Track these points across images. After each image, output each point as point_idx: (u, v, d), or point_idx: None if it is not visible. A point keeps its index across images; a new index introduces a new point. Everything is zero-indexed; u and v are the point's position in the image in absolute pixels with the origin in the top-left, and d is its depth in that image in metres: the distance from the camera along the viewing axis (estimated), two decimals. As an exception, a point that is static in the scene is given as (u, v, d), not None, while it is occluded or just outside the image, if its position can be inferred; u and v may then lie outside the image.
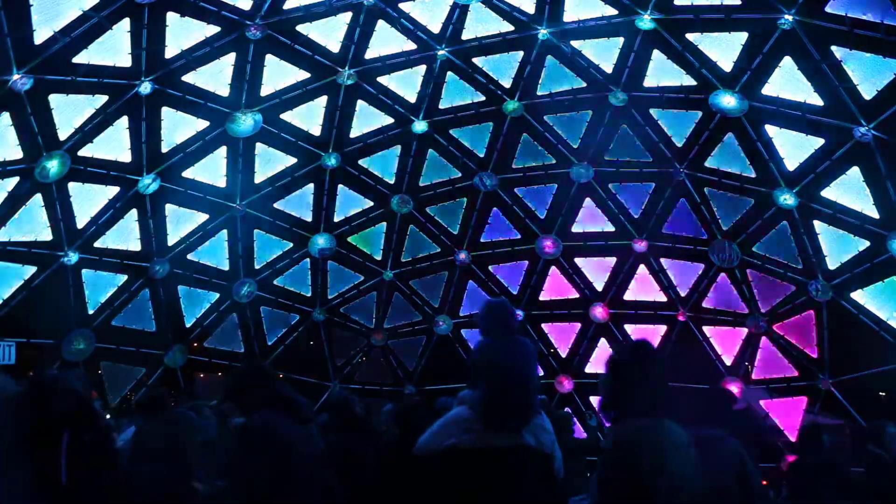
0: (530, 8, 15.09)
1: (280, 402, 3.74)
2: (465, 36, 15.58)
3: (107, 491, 3.91)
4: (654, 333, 17.31)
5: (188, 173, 15.49)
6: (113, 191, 14.86)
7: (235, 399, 3.96)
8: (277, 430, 3.61)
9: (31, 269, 14.33)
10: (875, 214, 13.83)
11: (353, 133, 16.54)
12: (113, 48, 13.57)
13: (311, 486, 3.69)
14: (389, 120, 16.51)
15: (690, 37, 14.38)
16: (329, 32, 15.30)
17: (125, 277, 15.57)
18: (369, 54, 15.67)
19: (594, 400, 16.13)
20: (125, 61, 13.83)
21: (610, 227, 16.92)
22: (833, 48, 13.08)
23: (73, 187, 14.34)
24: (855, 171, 13.88)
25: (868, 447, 6.48)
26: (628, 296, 17.40)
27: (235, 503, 3.47)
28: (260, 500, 3.43)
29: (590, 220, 17.03)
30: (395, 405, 7.98)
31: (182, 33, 14.15)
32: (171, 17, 13.87)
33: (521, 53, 15.70)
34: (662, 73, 15.00)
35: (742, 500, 4.46)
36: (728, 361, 16.50)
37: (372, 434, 6.85)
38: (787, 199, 14.67)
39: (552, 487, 3.84)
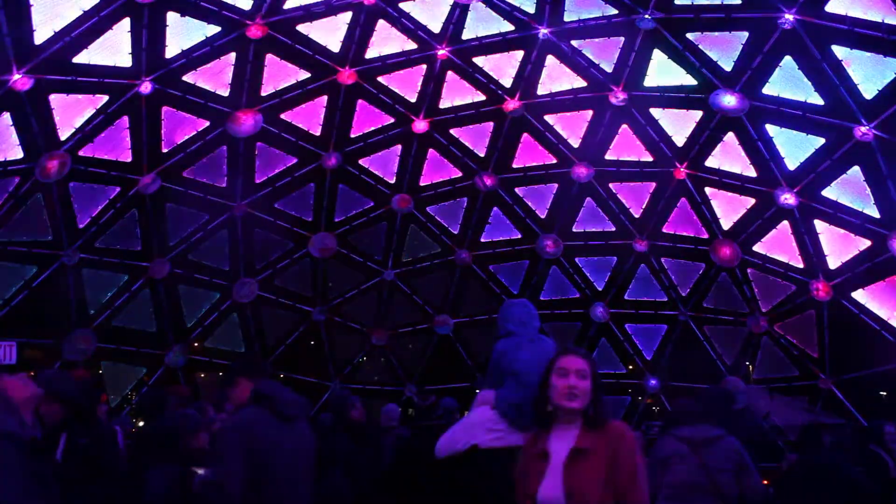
0: (530, 7, 15.08)
1: (263, 401, 3.71)
2: (466, 35, 15.58)
3: (102, 493, 3.91)
4: (655, 333, 17.33)
5: (188, 173, 15.51)
6: (113, 191, 14.88)
7: (225, 391, 3.95)
8: (254, 429, 3.59)
9: (31, 269, 14.35)
10: (876, 214, 13.83)
11: (354, 133, 16.55)
12: (113, 48, 13.58)
13: (294, 486, 3.68)
14: (390, 119, 16.52)
15: (691, 36, 14.37)
16: (329, 32, 15.31)
17: (126, 277, 15.59)
18: (369, 54, 15.66)
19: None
20: (125, 61, 13.84)
21: (610, 227, 16.92)
22: (834, 47, 13.07)
23: (74, 187, 14.35)
24: (856, 171, 13.86)
25: (869, 447, 6.49)
26: (629, 295, 17.41)
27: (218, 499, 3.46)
28: (237, 499, 3.42)
29: (590, 219, 17.03)
30: (399, 405, 8.01)
31: (182, 33, 14.15)
32: (172, 17, 13.88)
33: (521, 53, 15.70)
34: (663, 72, 15.00)
35: (741, 498, 4.46)
36: (728, 361, 16.49)
37: (368, 435, 6.85)
38: (788, 198, 14.66)
39: None
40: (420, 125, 16.33)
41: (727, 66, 14.33)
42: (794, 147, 14.55)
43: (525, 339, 4.18)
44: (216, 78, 14.96)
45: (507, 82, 16.09)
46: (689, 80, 14.82)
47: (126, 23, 13.36)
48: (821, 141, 14.16)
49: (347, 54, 15.42)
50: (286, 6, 14.69)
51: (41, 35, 12.62)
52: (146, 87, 14.03)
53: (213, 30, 14.33)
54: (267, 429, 3.59)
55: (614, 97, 15.28)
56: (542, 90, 16.02)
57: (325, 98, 15.95)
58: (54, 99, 13.46)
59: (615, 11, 14.53)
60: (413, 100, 16.28)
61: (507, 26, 15.34)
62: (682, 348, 16.78)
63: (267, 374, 4.01)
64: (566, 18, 15.03)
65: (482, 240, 17.63)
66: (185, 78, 14.61)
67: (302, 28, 15.02)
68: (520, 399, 3.93)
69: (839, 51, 13.04)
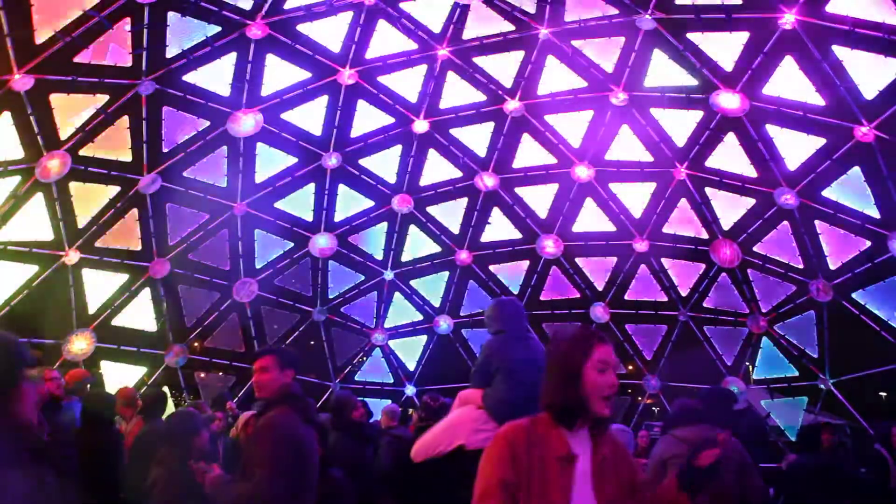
0: (531, 7, 15.09)
1: (294, 402, 3.70)
2: (466, 35, 15.58)
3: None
4: (655, 333, 17.32)
5: (189, 173, 15.51)
6: (114, 190, 14.87)
7: (269, 372, 3.86)
8: (301, 433, 3.57)
9: (31, 269, 14.34)
10: (876, 214, 13.82)
11: (354, 133, 16.55)
12: (113, 48, 13.58)
13: (307, 489, 3.67)
14: (390, 119, 16.51)
15: (691, 36, 14.37)
16: (329, 32, 15.31)
17: (126, 277, 15.58)
18: (370, 54, 15.67)
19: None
20: (126, 61, 13.84)
21: (611, 227, 16.91)
22: (834, 47, 13.07)
23: (74, 187, 14.35)
24: (856, 171, 13.85)
25: (875, 447, 6.49)
26: (629, 296, 17.39)
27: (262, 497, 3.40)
28: (286, 498, 3.38)
29: (590, 219, 17.02)
30: (399, 405, 8.01)
31: (182, 33, 14.16)
32: (172, 17, 13.89)
33: (521, 53, 15.70)
34: (663, 72, 14.99)
35: (742, 499, 4.46)
36: (728, 361, 16.48)
37: (368, 436, 6.84)
38: (788, 198, 14.65)
39: None
40: (420, 125, 16.33)
41: (727, 66, 14.32)
42: (795, 147, 14.54)
43: (515, 337, 4.15)
44: (216, 78, 14.97)
45: (507, 82, 16.09)
46: (690, 80, 14.82)
47: (127, 22, 13.37)
48: (821, 141, 14.15)
49: (347, 54, 15.43)
50: (286, 6, 14.70)
51: (41, 35, 12.63)
52: (146, 87, 14.03)
53: (214, 30, 14.34)
54: (304, 432, 3.59)
55: (614, 97, 15.28)
56: (542, 90, 16.02)
57: (325, 98, 15.95)
58: (54, 98, 13.46)
59: (615, 11, 14.54)
60: (413, 100, 16.28)
61: (508, 26, 15.35)
62: (682, 348, 16.76)
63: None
64: (566, 18, 15.04)
65: (482, 240, 17.63)
66: (185, 78, 14.62)
67: (302, 28, 15.03)
68: (514, 398, 3.87)
69: (839, 51, 13.03)
